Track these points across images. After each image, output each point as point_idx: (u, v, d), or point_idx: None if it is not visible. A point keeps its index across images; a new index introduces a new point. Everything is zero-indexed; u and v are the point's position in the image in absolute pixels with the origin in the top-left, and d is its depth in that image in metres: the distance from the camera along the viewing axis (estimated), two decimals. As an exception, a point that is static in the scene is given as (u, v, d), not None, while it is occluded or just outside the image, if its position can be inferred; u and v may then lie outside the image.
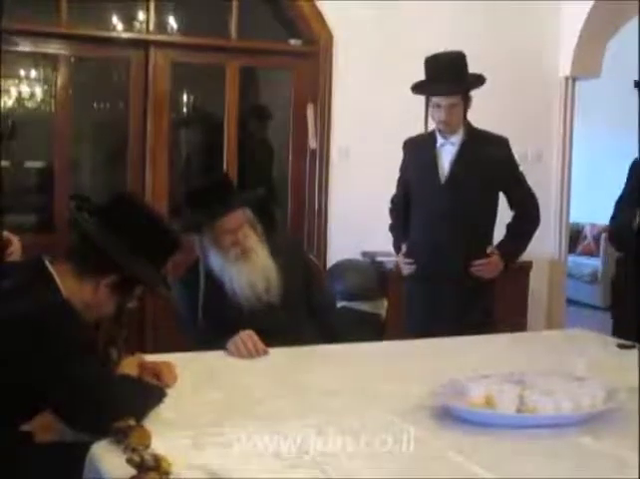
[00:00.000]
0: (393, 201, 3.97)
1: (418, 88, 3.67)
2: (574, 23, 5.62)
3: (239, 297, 2.96)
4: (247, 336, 2.75)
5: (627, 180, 3.64)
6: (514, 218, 3.80)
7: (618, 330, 3.49)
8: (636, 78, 7.79)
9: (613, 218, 3.66)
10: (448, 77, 3.55)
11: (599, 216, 8.27)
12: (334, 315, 3.34)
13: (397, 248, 3.90)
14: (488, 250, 3.68)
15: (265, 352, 2.75)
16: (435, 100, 3.59)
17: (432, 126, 3.70)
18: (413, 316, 3.81)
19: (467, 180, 3.64)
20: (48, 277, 2.07)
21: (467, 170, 3.65)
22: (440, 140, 3.69)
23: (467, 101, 3.62)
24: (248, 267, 2.96)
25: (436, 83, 3.58)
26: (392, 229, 3.97)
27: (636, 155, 3.77)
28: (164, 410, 2.08)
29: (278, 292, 3.01)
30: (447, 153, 3.68)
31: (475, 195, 3.64)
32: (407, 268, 3.80)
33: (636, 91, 7.62)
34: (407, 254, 3.80)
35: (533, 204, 3.81)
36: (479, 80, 3.66)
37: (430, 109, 3.63)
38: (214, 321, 2.95)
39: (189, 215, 2.99)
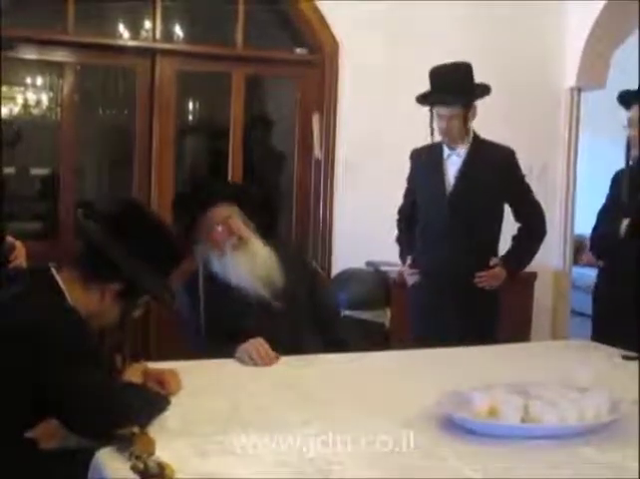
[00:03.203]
0: (400, 211, 3.97)
1: (421, 98, 3.69)
2: (580, 33, 5.61)
3: (242, 289, 2.94)
4: (260, 344, 2.75)
5: (609, 191, 3.67)
6: (520, 230, 3.79)
7: (596, 336, 3.52)
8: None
9: (595, 228, 3.69)
10: (449, 87, 3.57)
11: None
12: (338, 324, 3.33)
13: (403, 260, 3.89)
14: (492, 262, 3.68)
15: (277, 359, 2.75)
16: (436, 110, 3.61)
17: (439, 137, 3.71)
18: (416, 326, 3.81)
19: (472, 190, 3.64)
20: (54, 285, 2.08)
21: (472, 180, 3.65)
22: (446, 150, 3.70)
23: (469, 111, 3.62)
24: (246, 256, 2.96)
25: (438, 93, 3.60)
26: (399, 240, 3.96)
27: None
28: (168, 418, 2.08)
29: (282, 297, 2.99)
30: (452, 163, 3.69)
31: (480, 205, 3.65)
32: (411, 279, 3.80)
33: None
34: (412, 265, 3.80)
35: (539, 216, 3.80)
36: (484, 90, 3.66)
37: (433, 119, 3.64)
38: (216, 327, 2.94)
39: (179, 213, 3.03)
